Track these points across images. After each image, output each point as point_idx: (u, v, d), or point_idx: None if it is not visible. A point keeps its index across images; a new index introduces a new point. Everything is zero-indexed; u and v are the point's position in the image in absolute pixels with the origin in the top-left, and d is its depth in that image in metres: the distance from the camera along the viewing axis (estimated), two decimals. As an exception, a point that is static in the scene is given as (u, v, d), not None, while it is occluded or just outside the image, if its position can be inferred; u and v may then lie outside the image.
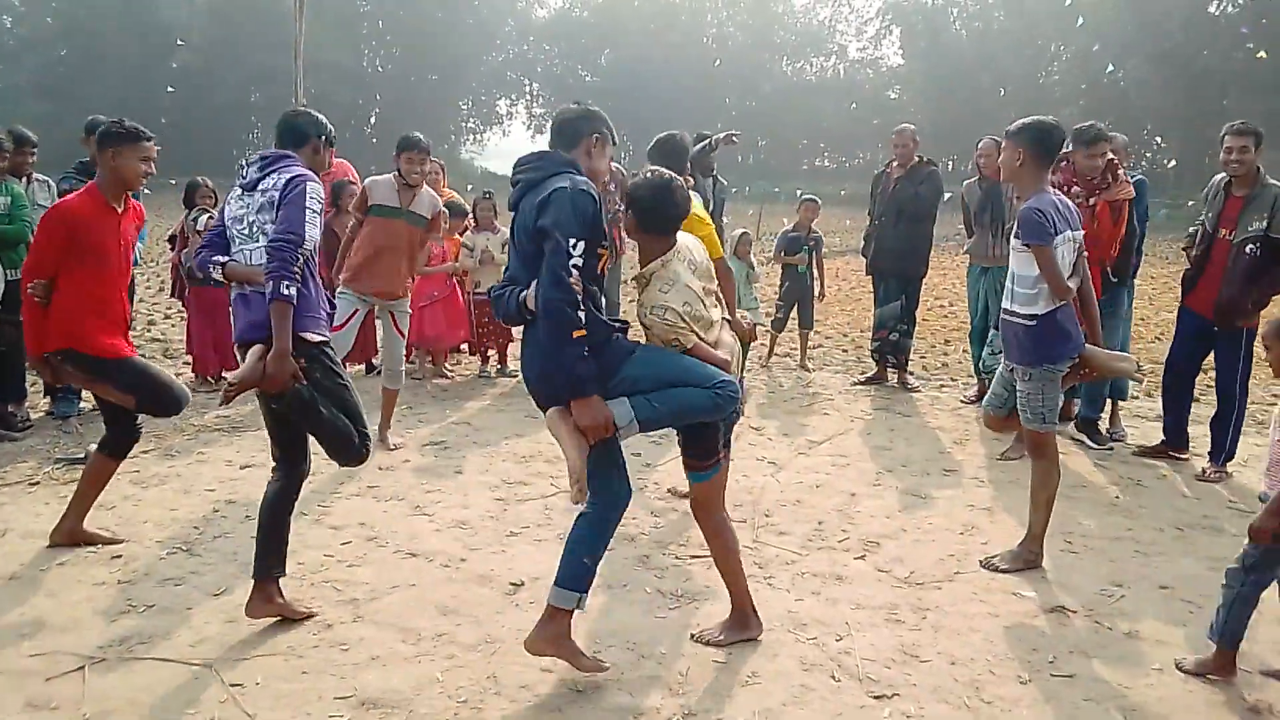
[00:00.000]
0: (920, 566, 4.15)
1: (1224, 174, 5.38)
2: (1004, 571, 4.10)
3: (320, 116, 3.70)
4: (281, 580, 3.77)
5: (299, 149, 3.57)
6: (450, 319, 7.45)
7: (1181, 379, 5.73)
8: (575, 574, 3.13)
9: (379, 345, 6.86)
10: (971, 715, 3.03)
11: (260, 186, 3.44)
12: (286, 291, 3.28)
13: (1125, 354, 4.42)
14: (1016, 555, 4.16)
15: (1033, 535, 4.16)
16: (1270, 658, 3.39)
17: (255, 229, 3.44)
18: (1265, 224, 5.08)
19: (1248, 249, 5.14)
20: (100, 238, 3.95)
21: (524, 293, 2.97)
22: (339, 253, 5.77)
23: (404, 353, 5.88)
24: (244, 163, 3.54)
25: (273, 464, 3.59)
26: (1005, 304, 4.10)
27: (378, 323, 6.92)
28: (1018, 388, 4.08)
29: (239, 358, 3.48)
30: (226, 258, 3.49)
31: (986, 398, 4.41)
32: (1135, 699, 3.14)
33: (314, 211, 3.39)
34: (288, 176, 3.41)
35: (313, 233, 3.38)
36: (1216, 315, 5.29)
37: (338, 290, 5.50)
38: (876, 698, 3.10)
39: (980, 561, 4.20)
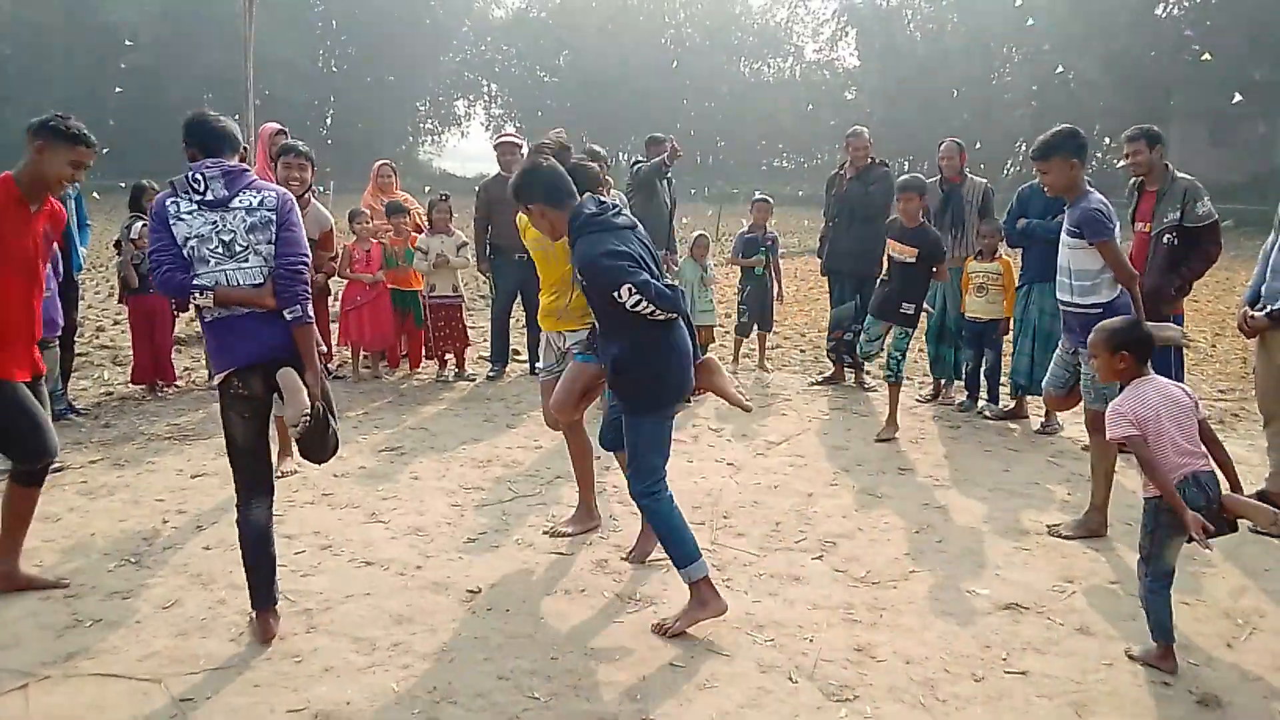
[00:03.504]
0: (876, 566, 4.18)
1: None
2: (1069, 538, 4.45)
3: (234, 120, 3.53)
4: (233, 592, 3.74)
5: (234, 155, 3.41)
6: (375, 323, 7.40)
7: None
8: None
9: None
10: (926, 714, 3.06)
11: (238, 204, 3.28)
12: (311, 314, 3.37)
13: (1169, 324, 4.92)
14: (1082, 524, 4.53)
15: (1095, 506, 4.51)
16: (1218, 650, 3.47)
17: (242, 248, 3.28)
18: (1179, 215, 5.40)
19: (1165, 239, 5.45)
20: (8, 236, 3.52)
21: None
22: None
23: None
24: (198, 176, 3.27)
25: (246, 494, 3.45)
26: (1065, 297, 4.53)
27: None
28: (1085, 371, 4.41)
29: (241, 382, 3.32)
30: (209, 281, 3.25)
31: (1047, 379, 4.77)
32: (1087, 694, 3.18)
33: (303, 229, 3.47)
34: (276, 195, 3.37)
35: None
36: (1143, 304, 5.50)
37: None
38: (833, 698, 3.12)
39: (1047, 527, 4.56)
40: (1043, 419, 6.46)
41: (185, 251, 3.26)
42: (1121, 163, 5.93)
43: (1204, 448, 3.28)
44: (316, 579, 3.93)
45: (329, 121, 45.08)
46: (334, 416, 3.57)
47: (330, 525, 4.51)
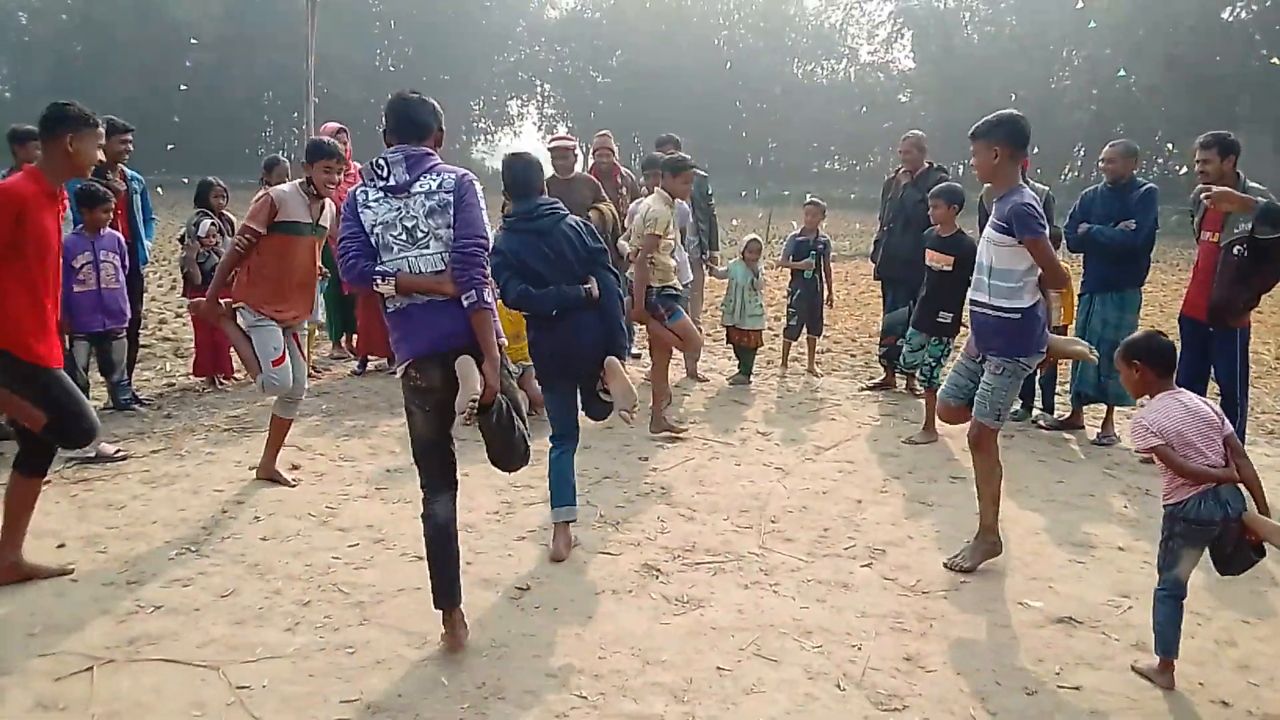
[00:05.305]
0: (926, 574, 4.14)
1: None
2: (968, 570, 4.17)
3: (434, 103, 3.39)
4: (288, 582, 3.81)
5: (424, 141, 3.29)
6: None
7: (1190, 387, 5.75)
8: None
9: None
10: (976, 726, 3.02)
11: (418, 189, 3.20)
12: (490, 299, 3.22)
13: (1077, 339, 4.50)
14: (975, 549, 4.25)
15: (986, 527, 4.24)
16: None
17: (423, 234, 3.20)
18: (1250, 226, 5.20)
19: (1235, 250, 5.27)
20: (44, 227, 3.62)
21: None
22: (219, 271, 4.91)
23: (305, 377, 5.26)
24: (381, 162, 3.23)
25: (428, 488, 3.41)
26: (979, 297, 4.15)
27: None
28: (985, 380, 4.15)
29: (420, 373, 3.25)
30: (392, 269, 3.20)
31: (944, 387, 4.45)
32: (1142, 712, 3.13)
33: (485, 210, 3.32)
34: (455, 176, 3.24)
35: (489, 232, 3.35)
36: (1210, 316, 5.40)
37: (253, 320, 4.84)
38: (882, 708, 3.10)
39: (944, 563, 4.25)
40: (1099, 429, 6.35)
41: (371, 239, 3.23)
42: (1185, 169, 5.80)
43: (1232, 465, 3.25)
44: (369, 572, 4.00)
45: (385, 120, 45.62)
46: (522, 418, 3.45)
47: (383, 519, 4.58)
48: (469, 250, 3.19)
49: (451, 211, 3.21)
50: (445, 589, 3.36)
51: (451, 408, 3.23)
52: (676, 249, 6.66)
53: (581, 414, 4.43)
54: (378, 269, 3.21)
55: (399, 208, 3.21)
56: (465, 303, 3.18)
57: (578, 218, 4.35)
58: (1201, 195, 5.14)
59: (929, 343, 6.30)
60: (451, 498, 3.43)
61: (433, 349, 3.23)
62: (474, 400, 3.11)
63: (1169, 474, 3.28)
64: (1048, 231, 4.02)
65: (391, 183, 3.20)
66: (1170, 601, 3.29)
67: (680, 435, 6.09)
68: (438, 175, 3.23)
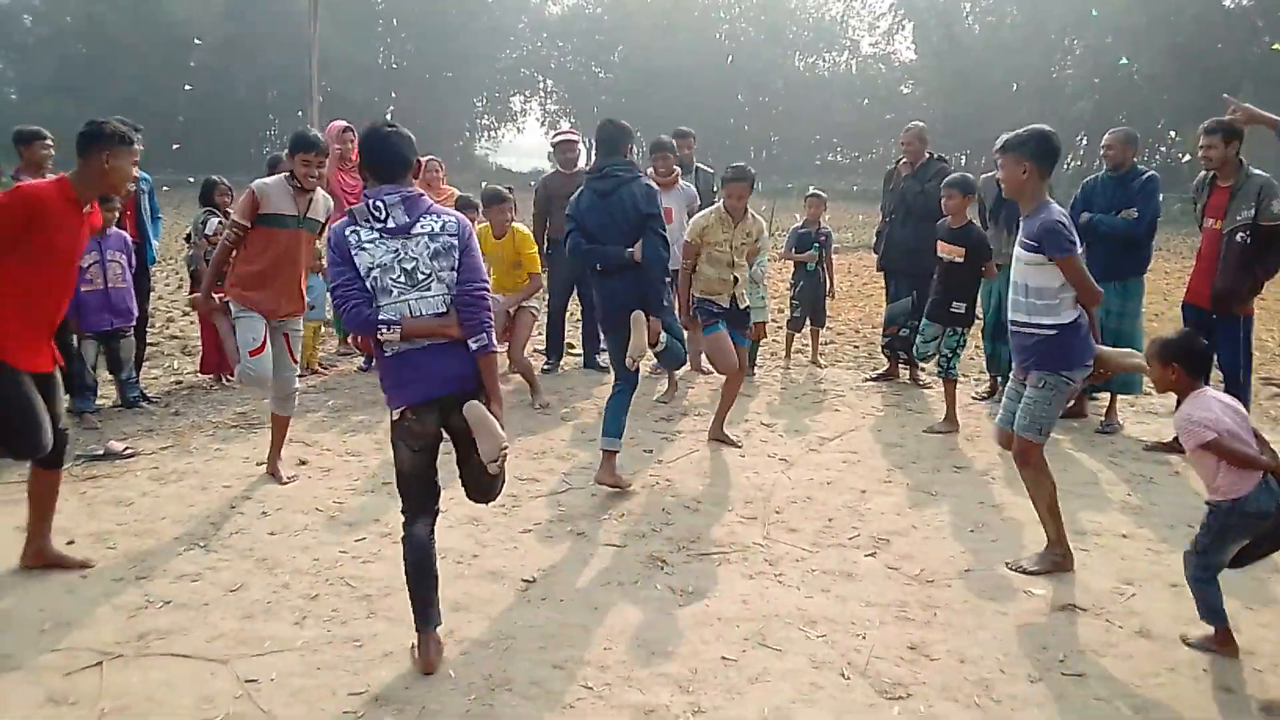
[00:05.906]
0: (930, 564, 4.15)
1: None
2: (1032, 574, 4.04)
3: (409, 133, 3.32)
4: (296, 576, 3.83)
5: (406, 178, 3.24)
6: None
7: None
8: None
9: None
10: (981, 714, 3.04)
11: (419, 230, 3.15)
12: (496, 343, 3.25)
13: (1133, 350, 4.36)
14: (1043, 558, 4.12)
15: (1052, 541, 4.11)
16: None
17: (424, 276, 3.15)
18: (1253, 212, 5.25)
19: (1238, 237, 5.30)
20: (56, 234, 3.60)
21: None
22: (211, 265, 4.99)
23: (296, 376, 5.16)
24: (378, 204, 3.13)
25: (410, 513, 3.29)
26: (1019, 318, 4.04)
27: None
28: (1026, 394, 4.03)
29: (417, 418, 3.17)
30: (395, 314, 3.13)
31: (1000, 415, 4.29)
32: (1146, 698, 3.14)
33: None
34: (456, 221, 3.23)
35: None
36: (1213, 303, 5.41)
37: (236, 311, 4.86)
38: (886, 696, 3.12)
39: (1007, 564, 4.15)
40: (1102, 418, 6.36)
41: (368, 283, 3.14)
42: (1187, 157, 5.82)
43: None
44: (376, 566, 4.02)
45: (388, 117, 45.32)
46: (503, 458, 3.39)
47: (390, 513, 4.58)
48: (477, 293, 3.19)
49: (456, 255, 3.20)
50: (424, 610, 3.28)
51: (439, 444, 3.25)
52: (714, 261, 5.67)
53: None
54: (381, 317, 3.14)
55: (396, 249, 3.14)
56: (475, 346, 3.17)
57: (645, 183, 4.82)
58: (1229, 110, 5.16)
59: (944, 334, 6.30)
60: (431, 521, 3.33)
61: (429, 396, 3.19)
62: (505, 448, 3.10)
63: (1221, 469, 3.28)
64: (1079, 249, 3.93)
65: (390, 225, 3.14)
66: (1214, 581, 3.39)
67: (735, 447, 5.80)
68: (438, 217, 3.20)
